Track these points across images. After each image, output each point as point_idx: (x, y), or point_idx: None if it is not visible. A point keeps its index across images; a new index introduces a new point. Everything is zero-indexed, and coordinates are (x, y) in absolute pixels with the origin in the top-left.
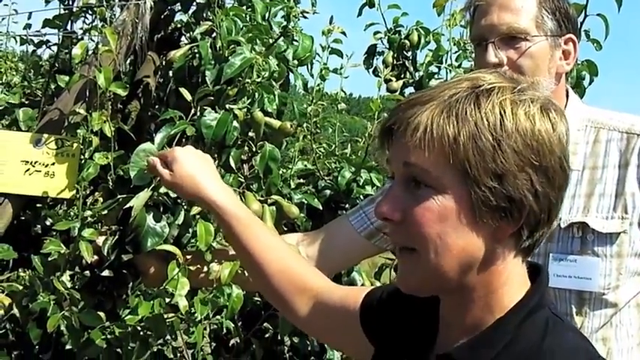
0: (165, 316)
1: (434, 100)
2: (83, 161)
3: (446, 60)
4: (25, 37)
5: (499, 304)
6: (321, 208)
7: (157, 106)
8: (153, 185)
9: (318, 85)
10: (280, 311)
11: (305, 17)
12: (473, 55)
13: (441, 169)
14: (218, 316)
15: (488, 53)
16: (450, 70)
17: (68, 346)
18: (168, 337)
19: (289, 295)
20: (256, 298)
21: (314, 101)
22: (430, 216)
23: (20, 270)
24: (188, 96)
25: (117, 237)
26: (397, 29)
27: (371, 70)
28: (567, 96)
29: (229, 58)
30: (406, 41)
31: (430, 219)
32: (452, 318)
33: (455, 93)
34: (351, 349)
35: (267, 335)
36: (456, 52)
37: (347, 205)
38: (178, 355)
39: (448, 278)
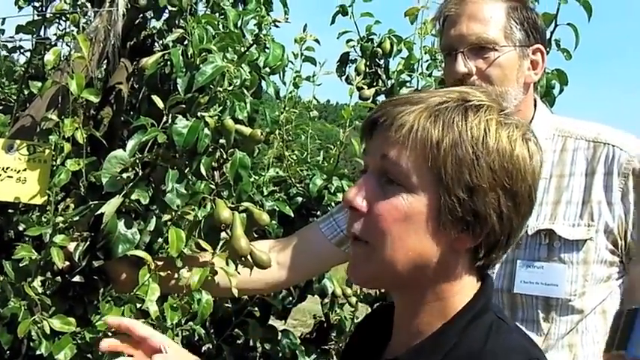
0: None
1: (423, 102)
2: (55, 167)
3: (417, 68)
4: None
5: (448, 311)
6: (292, 215)
7: (129, 113)
8: (124, 192)
9: (291, 92)
10: None
11: (277, 26)
12: (443, 64)
13: (417, 170)
14: (190, 323)
15: (458, 63)
16: (422, 79)
17: (39, 352)
18: None
19: None
20: (227, 305)
21: (286, 109)
22: (395, 214)
23: None
24: (160, 103)
25: (88, 243)
26: (370, 37)
27: (344, 78)
28: (535, 105)
29: (201, 66)
30: (379, 49)
31: (394, 216)
32: (403, 322)
33: (445, 101)
34: None
35: (238, 341)
36: (427, 60)
37: (318, 212)
38: None
39: (399, 276)
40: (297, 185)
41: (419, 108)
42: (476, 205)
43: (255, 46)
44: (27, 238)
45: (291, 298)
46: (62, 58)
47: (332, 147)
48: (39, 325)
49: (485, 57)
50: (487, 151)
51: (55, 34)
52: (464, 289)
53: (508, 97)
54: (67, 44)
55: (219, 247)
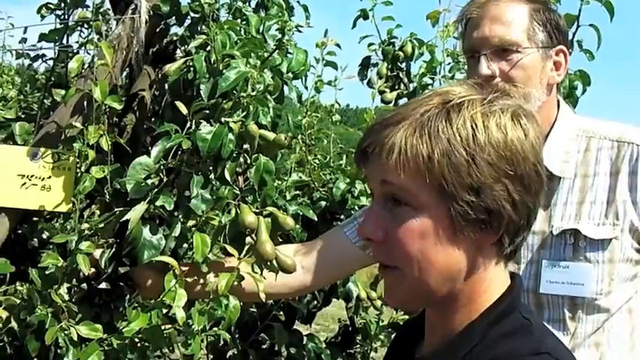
0: (163, 327)
1: (406, 119)
2: (79, 174)
3: (439, 71)
4: (20, 51)
5: (479, 309)
6: (316, 219)
7: (152, 120)
8: (149, 198)
9: (313, 97)
10: None
11: (299, 31)
12: (466, 67)
13: (418, 188)
14: (215, 328)
15: (481, 65)
16: (444, 81)
17: (66, 359)
18: (165, 349)
19: None
20: (252, 309)
21: (308, 113)
22: (411, 235)
23: (17, 283)
24: (184, 109)
25: (114, 250)
26: (391, 41)
27: (365, 82)
28: (558, 106)
29: (224, 71)
30: (400, 53)
31: (411, 238)
32: (435, 323)
33: (426, 110)
34: None
35: (263, 346)
36: (449, 63)
37: (342, 216)
38: None
39: (433, 292)
40: (320, 189)
41: (402, 126)
42: (486, 203)
43: (277, 51)
44: (52, 246)
45: (315, 302)
46: (85, 66)
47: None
48: (66, 332)
49: (508, 59)
50: (480, 148)
51: (78, 42)
52: (492, 286)
53: (531, 98)
54: (89, 52)
55: (244, 251)
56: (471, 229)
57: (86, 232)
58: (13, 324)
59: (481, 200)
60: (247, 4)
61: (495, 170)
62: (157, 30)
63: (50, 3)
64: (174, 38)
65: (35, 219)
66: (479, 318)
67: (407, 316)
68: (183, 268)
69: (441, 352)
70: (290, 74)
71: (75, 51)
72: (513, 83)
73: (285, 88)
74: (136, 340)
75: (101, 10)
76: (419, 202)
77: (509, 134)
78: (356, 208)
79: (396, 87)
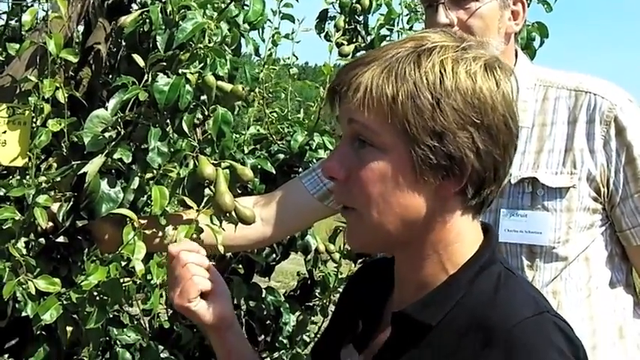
0: (122, 281)
1: (376, 60)
2: (35, 129)
3: (397, 23)
4: None
5: (452, 261)
6: (274, 172)
7: (108, 74)
8: (107, 151)
9: (270, 50)
10: None
11: None
12: (424, 17)
13: (381, 128)
14: None
15: (439, 14)
16: (402, 33)
17: (24, 313)
18: (124, 302)
19: None
20: (211, 263)
21: (266, 66)
22: (372, 176)
23: None
24: (140, 62)
25: (71, 203)
26: None
27: (323, 35)
28: (517, 56)
29: (180, 22)
30: (357, 5)
31: (372, 179)
32: (405, 275)
33: (397, 53)
34: None
35: None
36: (407, 14)
37: (300, 169)
38: (135, 322)
39: (392, 235)
40: (278, 142)
41: (371, 67)
42: (448, 149)
43: (234, 2)
44: (9, 201)
45: (274, 256)
46: (39, 19)
47: (312, 105)
48: (24, 286)
49: (466, 8)
50: (447, 93)
51: None
52: (462, 237)
53: (489, 47)
54: (41, 5)
55: (203, 203)
56: (432, 174)
57: (43, 185)
58: None
59: (443, 146)
60: None
61: (461, 117)
62: None
63: None
64: None
65: None
66: (461, 270)
67: None
68: (142, 221)
69: (425, 305)
70: (247, 25)
71: (28, 4)
72: (471, 32)
73: (242, 41)
74: (95, 293)
75: None
76: (382, 143)
77: (478, 82)
78: (314, 160)
79: (354, 40)
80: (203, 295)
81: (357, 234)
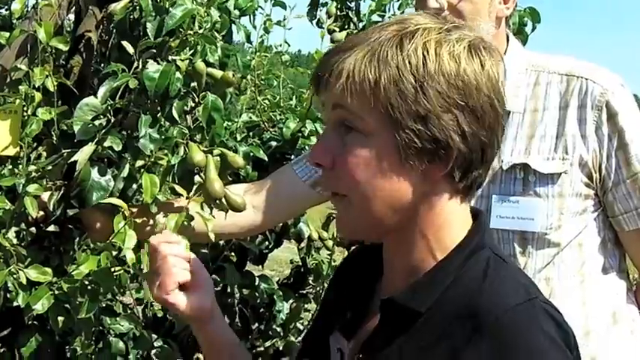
0: (113, 270)
1: (359, 45)
2: (26, 118)
3: (389, 9)
4: None
5: (440, 246)
6: (266, 159)
7: (100, 62)
8: (97, 139)
9: (262, 37)
10: None
11: None
12: (414, 2)
13: (365, 113)
14: None
15: None
16: None
17: (16, 303)
18: (117, 291)
19: None
20: (204, 251)
21: (258, 53)
22: (357, 161)
23: None
24: (130, 49)
25: (62, 192)
26: None
27: (315, 22)
28: (508, 40)
29: (170, 9)
30: None
31: (357, 164)
32: (394, 261)
33: (379, 36)
34: None
35: (216, 288)
36: (398, 0)
37: (292, 156)
38: (128, 311)
39: (381, 221)
40: (271, 130)
41: (353, 52)
42: (433, 132)
43: None
44: (0, 191)
45: (267, 243)
46: (29, 7)
47: (304, 92)
48: (15, 275)
49: None
50: (430, 76)
51: None
52: (450, 221)
53: (480, 31)
54: None
55: (193, 191)
56: (417, 158)
57: (34, 174)
58: None
59: (428, 129)
60: None
61: (445, 99)
62: None
63: None
64: None
65: None
66: (450, 255)
67: None
68: (133, 210)
69: (414, 291)
70: (237, 12)
71: None
72: (461, 16)
73: (234, 28)
74: (86, 282)
75: None
76: (366, 128)
77: (462, 64)
78: (306, 147)
79: (346, 26)
80: (183, 287)
81: (346, 221)
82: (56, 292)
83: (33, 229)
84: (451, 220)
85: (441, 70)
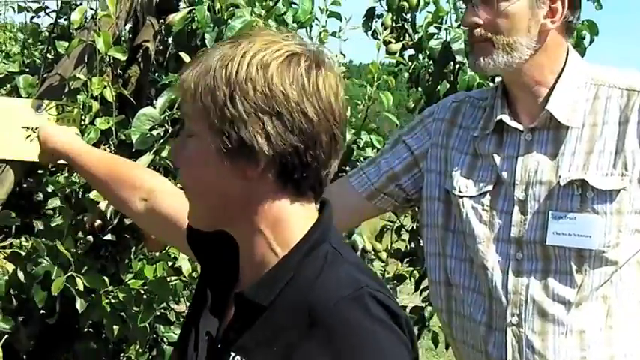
0: (169, 279)
1: (201, 57)
2: (84, 126)
3: (445, 21)
4: (23, 5)
5: (280, 242)
6: None
7: (156, 71)
8: (155, 149)
9: None
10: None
11: None
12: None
13: (192, 118)
14: None
15: (467, 13)
16: (450, 32)
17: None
18: (171, 301)
19: (122, 192)
20: None
21: None
22: (186, 162)
23: (23, 237)
24: (188, 59)
25: None
26: None
27: (370, 33)
28: (568, 54)
29: (229, 20)
30: (405, 3)
31: (186, 164)
32: (243, 255)
33: (216, 50)
34: (192, 256)
35: None
36: (455, 12)
37: (348, 168)
38: (181, 319)
39: (215, 215)
40: None
41: (197, 63)
42: (240, 135)
43: (282, 0)
44: (59, 199)
45: None
46: (88, 18)
47: (359, 103)
48: (72, 282)
49: (494, 7)
50: (239, 84)
51: None
52: (285, 219)
53: (518, 47)
54: (90, 4)
55: None
56: (231, 159)
57: None
58: (20, 275)
59: (236, 132)
60: None
61: (251, 105)
62: None
63: None
64: None
65: (40, 172)
66: (291, 252)
67: (411, 268)
68: None
69: (259, 286)
70: (295, 24)
71: (78, 3)
72: (498, 31)
73: None
74: (142, 291)
75: None
76: (193, 130)
77: (270, 72)
78: (361, 159)
79: (402, 38)
80: None
81: (190, 213)
82: (112, 300)
83: (90, 238)
84: (287, 218)
85: (250, 78)
